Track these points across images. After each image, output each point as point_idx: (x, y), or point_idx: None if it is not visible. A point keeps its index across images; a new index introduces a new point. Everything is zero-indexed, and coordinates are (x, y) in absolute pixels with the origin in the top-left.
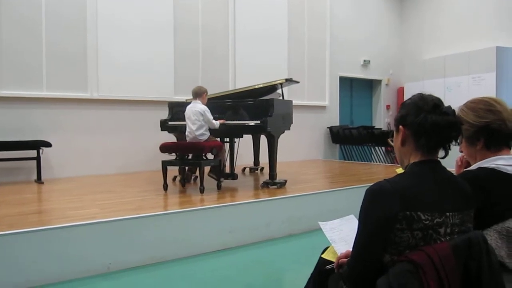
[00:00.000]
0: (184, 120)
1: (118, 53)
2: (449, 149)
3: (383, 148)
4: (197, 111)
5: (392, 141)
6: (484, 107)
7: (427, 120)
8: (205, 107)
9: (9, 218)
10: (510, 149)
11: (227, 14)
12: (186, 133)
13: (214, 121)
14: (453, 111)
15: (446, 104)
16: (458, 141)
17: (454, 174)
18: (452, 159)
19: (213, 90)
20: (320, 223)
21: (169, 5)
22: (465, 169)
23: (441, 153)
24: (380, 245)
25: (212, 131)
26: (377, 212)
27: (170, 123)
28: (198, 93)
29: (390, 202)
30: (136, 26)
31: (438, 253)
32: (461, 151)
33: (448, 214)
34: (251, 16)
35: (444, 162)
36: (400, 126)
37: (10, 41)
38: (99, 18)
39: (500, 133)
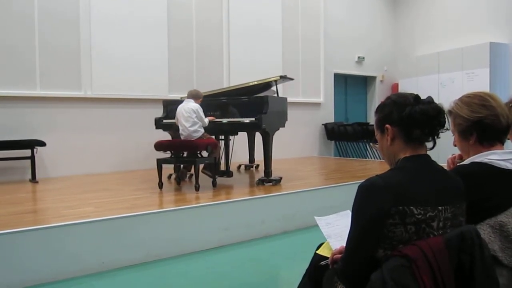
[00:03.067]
0: None
1: (112, 51)
2: (438, 137)
3: (374, 149)
4: (190, 108)
5: (376, 146)
6: (478, 102)
7: (416, 111)
8: (198, 105)
9: (3, 218)
10: (503, 144)
11: (221, 11)
12: (180, 131)
13: (205, 120)
14: (433, 99)
15: (441, 99)
16: (447, 126)
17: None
18: (444, 156)
19: (208, 87)
20: (316, 218)
21: (162, 2)
22: (458, 164)
23: (429, 144)
24: (373, 240)
25: (207, 129)
26: (370, 208)
27: (164, 121)
28: (196, 96)
29: (382, 197)
30: (130, 24)
31: (431, 247)
32: (455, 145)
33: (440, 208)
34: (245, 13)
35: (436, 158)
36: (387, 125)
37: (3, 39)
38: (92, 15)
39: (493, 128)
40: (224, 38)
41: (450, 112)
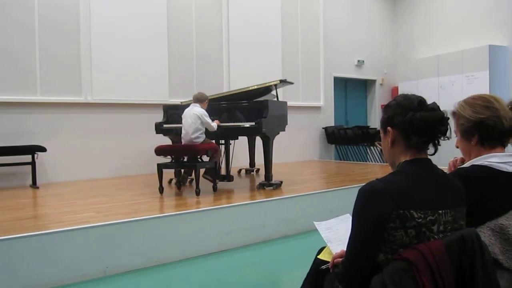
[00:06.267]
0: (179, 122)
1: (112, 56)
2: (439, 144)
3: (378, 147)
4: (195, 114)
5: (380, 144)
6: (481, 103)
7: (416, 118)
8: (203, 110)
9: (4, 224)
10: (505, 147)
11: (220, 17)
12: (182, 135)
13: (212, 124)
14: (438, 106)
15: (440, 102)
16: (448, 135)
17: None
18: (445, 158)
19: (208, 92)
20: (316, 223)
21: (162, 8)
22: (458, 167)
23: (430, 150)
24: (374, 244)
25: (208, 133)
26: (370, 212)
27: (165, 126)
28: (200, 99)
29: (383, 201)
30: (130, 29)
31: (431, 251)
32: (457, 147)
33: (440, 211)
34: (245, 18)
35: (437, 161)
36: (388, 128)
37: (3, 45)
38: (92, 21)
39: (495, 130)
40: (224, 43)
41: (454, 113)
